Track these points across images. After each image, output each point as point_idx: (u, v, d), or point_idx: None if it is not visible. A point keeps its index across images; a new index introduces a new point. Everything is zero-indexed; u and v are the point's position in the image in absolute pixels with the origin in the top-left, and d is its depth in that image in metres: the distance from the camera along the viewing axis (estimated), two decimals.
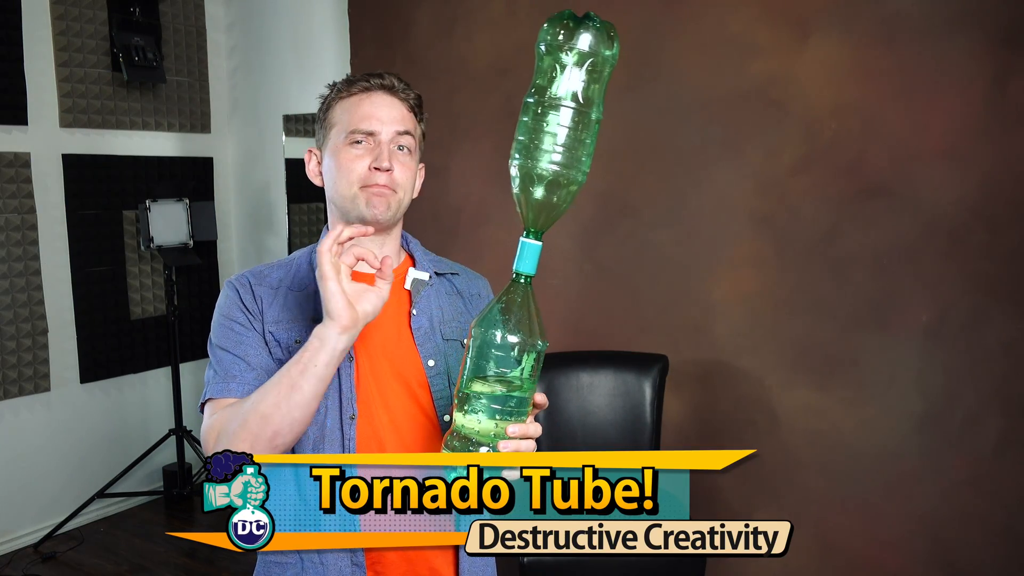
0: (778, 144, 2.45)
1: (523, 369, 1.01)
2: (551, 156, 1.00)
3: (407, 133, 1.24)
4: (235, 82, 4.15)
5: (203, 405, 1.21)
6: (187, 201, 3.62)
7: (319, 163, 1.29)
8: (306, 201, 3.99)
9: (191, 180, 3.98)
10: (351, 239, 1.10)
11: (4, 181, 3.30)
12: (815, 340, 2.44)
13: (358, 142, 1.22)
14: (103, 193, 3.66)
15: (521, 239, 1.04)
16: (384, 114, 1.23)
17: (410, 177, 1.26)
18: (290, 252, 3.92)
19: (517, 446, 0.99)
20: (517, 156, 1.02)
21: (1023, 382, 2.19)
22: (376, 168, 1.21)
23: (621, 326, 2.75)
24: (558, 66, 1.01)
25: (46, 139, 3.45)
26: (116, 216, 3.72)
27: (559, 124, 1.00)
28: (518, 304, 1.02)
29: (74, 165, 3.55)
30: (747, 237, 2.53)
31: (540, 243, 1.03)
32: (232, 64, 4.14)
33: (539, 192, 1.01)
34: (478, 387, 1.01)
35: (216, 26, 4.10)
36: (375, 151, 1.22)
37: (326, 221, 1.34)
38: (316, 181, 1.30)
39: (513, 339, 1.00)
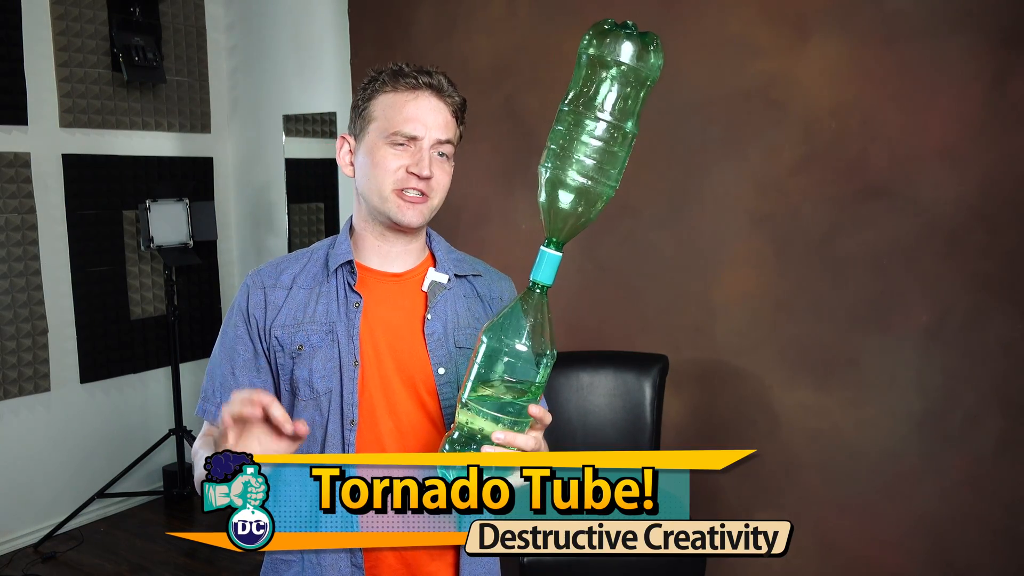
0: (778, 144, 2.45)
1: (529, 378, 1.01)
2: (582, 168, 0.98)
3: (448, 142, 1.22)
4: (235, 82, 4.15)
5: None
6: (187, 201, 3.62)
7: (351, 152, 1.26)
8: (306, 201, 3.99)
9: (191, 180, 3.98)
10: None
11: (4, 181, 3.30)
12: (815, 340, 2.44)
13: (399, 144, 1.19)
14: (103, 193, 3.66)
15: (542, 248, 1.02)
16: (430, 119, 1.20)
17: (447, 182, 1.24)
18: (290, 252, 3.93)
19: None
20: (547, 164, 1.00)
21: (1023, 382, 2.19)
22: (414, 174, 1.18)
23: (621, 326, 2.75)
24: (597, 76, 0.98)
25: (46, 139, 3.45)
26: (116, 216, 3.72)
27: (593, 135, 0.98)
28: (531, 314, 1.00)
29: (74, 165, 3.55)
30: (747, 237, 2.53)
31: (560, 254, 1.01)
32: (232, 64, 4.14)
33: (566, 203, 0.99)
34: (483, 392, 1.00)
35: (216, 26, 4.10)
36: (416, 155, 1.19)
37: (339, 221, 1.33)
38: (347, 171, 1.27)
39: (521, 349, 0.99)
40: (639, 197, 2.69)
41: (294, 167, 3.96)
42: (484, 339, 1.01)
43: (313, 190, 3.98)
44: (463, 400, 1.02)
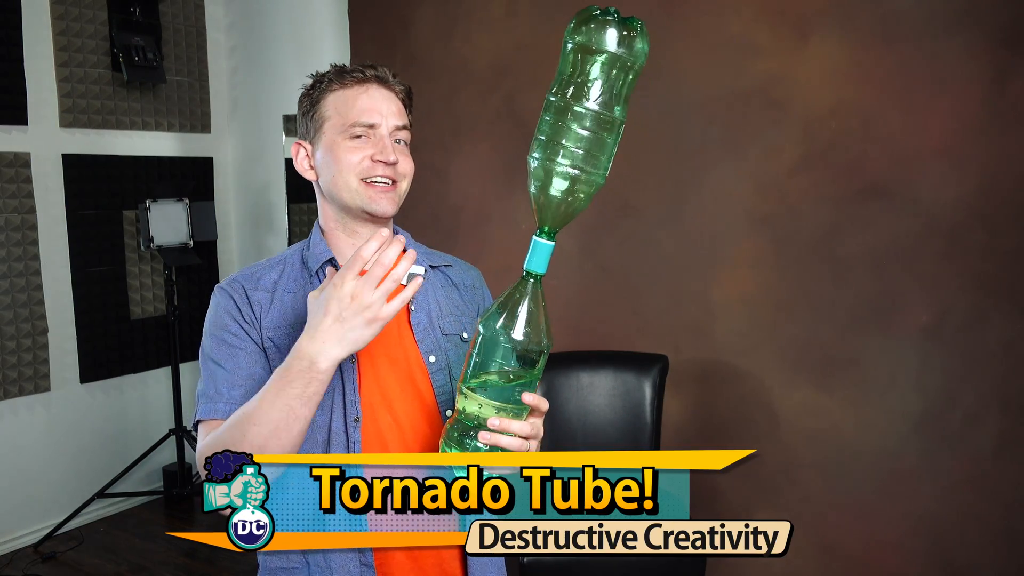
0: (778, 144, 2.45)
1: (527, 367, 1.02)
2: (571, 156, 0.98)
3: (404, 128, 1.25)
4: (235, 82, 4.15)
5: (196, 423, 1.19)
6: (187, 201, 3.62)
7: (309, 156, 1.27)
8: (306, 201, 3.99)
9: (191, 180, 3.98)
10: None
11: (4, 181, 3.30)
12: (815, 340, 2.44)
13: (358, 136, 1.21)
14: (103, 193, 3.66)
15: (534, 237, 1.02)
16: (384, 108, 1.22)
17: (411, 168, 1.25)
18: None
19: (495, 439, 1.00)
20: (536, 154, 1.00)
21: (1023, 382, 2.19)
22: (380, 161, 1.20)
23: (621, 326, 2.75)
24: (583, 64, 0.98)
25: (46, 139, 3.45)
26: (116, 216, 3.72)
27: (581, 124, 0.98)
28: (526, 303, 1.01)
29: (74, 165, 3.55)
30: (747, 237, 2.53)
31: (553, 243, 1.02)
32: (232, 64, 4.14)
33: (556, 192, 0.99)
34: (480, 380, 1.01)
35: (216, 26, 4.10)
36: (378, 144, 1.21)
37: (317, 217, 1.32)
38: (308, 175, 1.28)
39: (518, 338, 1.00)
40: (639, 197, 2.69)
41: (294, 167, 3.95)
42: (481, 328, 1.01)
43: (313, 190, 3.97)
44: (462, 388, 1.03)
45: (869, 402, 2.38)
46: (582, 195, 1.00)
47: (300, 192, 3.97)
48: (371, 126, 1.21)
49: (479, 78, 2.94)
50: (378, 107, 1.21)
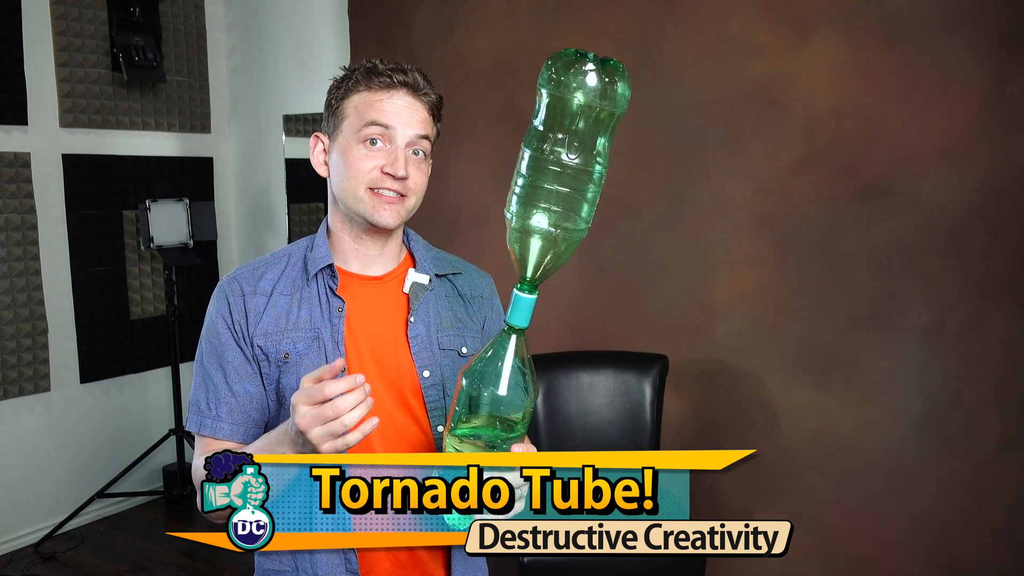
0: (778, 144, 2.45)
1: (512, 418, 1.00)
2: (551, 216, 0.94)
3: (424, 138, 1.19)
4: (235, 82, 4.15)
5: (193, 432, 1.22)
6: (187, 201, 3.62)
7: (325, 151, 1.23)
8: (306, 201, 3.99)
9: (191, 180, 3.98)
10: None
11: (4, 181, 3.30)
12: (815, 340, 2.44)
13: (372, 141, 1.16)
14: (103, 193, 3.66)
15: (515, 291, 0.99)
16: (405, 116, 1.17)
17: (424, 182, 1.21)
18: None
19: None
20: (514, 209, 0.96)
21: (1023, 382, 2.19)
22: (389, 174, 1.15)
23: (621, 326, 2.75)
24: (561, 115, 0.93)
25: (46, 139, 3.45)
26: (116, 216, 3.72)
27: (561, 181, 0.93)
28: (509, 358, 0.99)
29: (74, 165, 3.55)
30: (747, 237, 2.53)
31: (535, 296, 0.99)
32: (232, 64, 4.14)
33: (535, 247, 0.96)
34: (467, 430, 1.00)
35: (216, 26, 4.10)
36: (390, 155, 1.16)
37: (326, 211, 1.29)
38: (320, 170, 1.24)
39: (502, 393, 0.98)
40: (639, 197, 2.69)
41: (294, 167, 3.96)
42: (464, 382, 0.99)
43: (313, 190, 3.98)
44: (448, 440, 1.01)
45: (869, 402, 2.38)
46: (565, 251, 0.96)
47: (300, 192, 3.97)
48: (386, 127, 1.16)
49: (479, 78, 2.94)
50: (399, 115, 1.16)
